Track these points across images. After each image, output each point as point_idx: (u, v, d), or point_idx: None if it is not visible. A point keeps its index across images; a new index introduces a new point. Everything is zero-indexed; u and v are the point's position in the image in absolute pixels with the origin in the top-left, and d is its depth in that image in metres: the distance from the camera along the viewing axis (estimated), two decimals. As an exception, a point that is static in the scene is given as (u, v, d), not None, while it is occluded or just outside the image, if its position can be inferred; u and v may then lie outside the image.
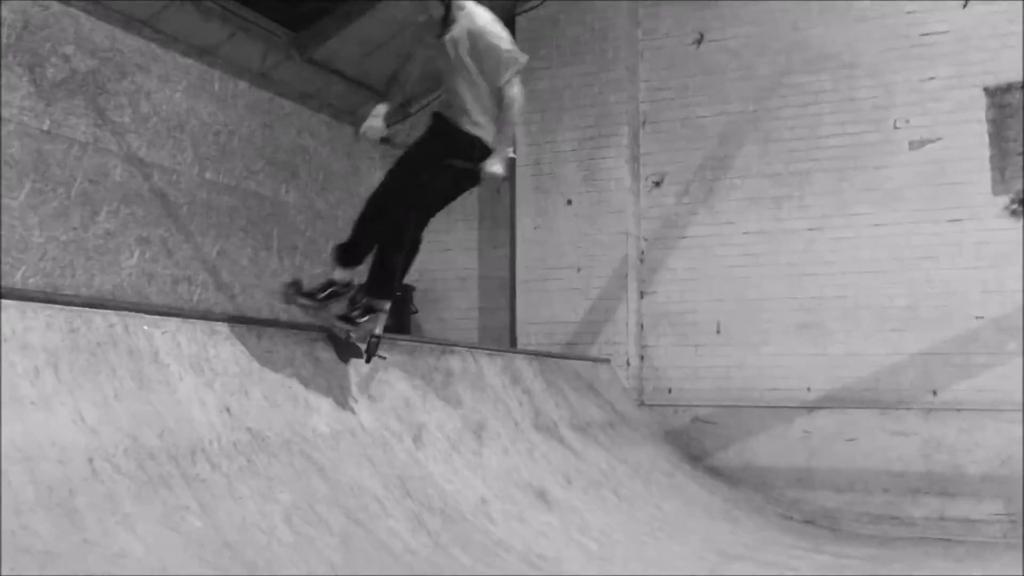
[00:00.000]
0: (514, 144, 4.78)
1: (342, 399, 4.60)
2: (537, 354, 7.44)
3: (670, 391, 8.37)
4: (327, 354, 4.73)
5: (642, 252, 8.66)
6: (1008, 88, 7.55)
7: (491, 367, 6.28)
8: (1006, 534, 6.93)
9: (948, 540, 6.96)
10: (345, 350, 4.70)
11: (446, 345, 6.11)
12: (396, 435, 4.75)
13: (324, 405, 4.44)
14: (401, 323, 7.97)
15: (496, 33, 4.45)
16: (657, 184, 8.69)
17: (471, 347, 6.44)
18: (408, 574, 3.72)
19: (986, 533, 6.96)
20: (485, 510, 4.67)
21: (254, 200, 7.92)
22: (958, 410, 7.34)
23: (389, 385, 5.04)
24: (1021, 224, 7.43)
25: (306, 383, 4.42)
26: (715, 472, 7.80)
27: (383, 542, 3.86)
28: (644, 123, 8.76)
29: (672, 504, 6.50)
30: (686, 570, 5.22)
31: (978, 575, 5.56)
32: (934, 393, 7.50)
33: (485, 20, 4.46)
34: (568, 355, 8.14)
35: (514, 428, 5.86)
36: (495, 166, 4.45)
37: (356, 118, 9.10)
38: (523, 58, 4.51)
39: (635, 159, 8.71)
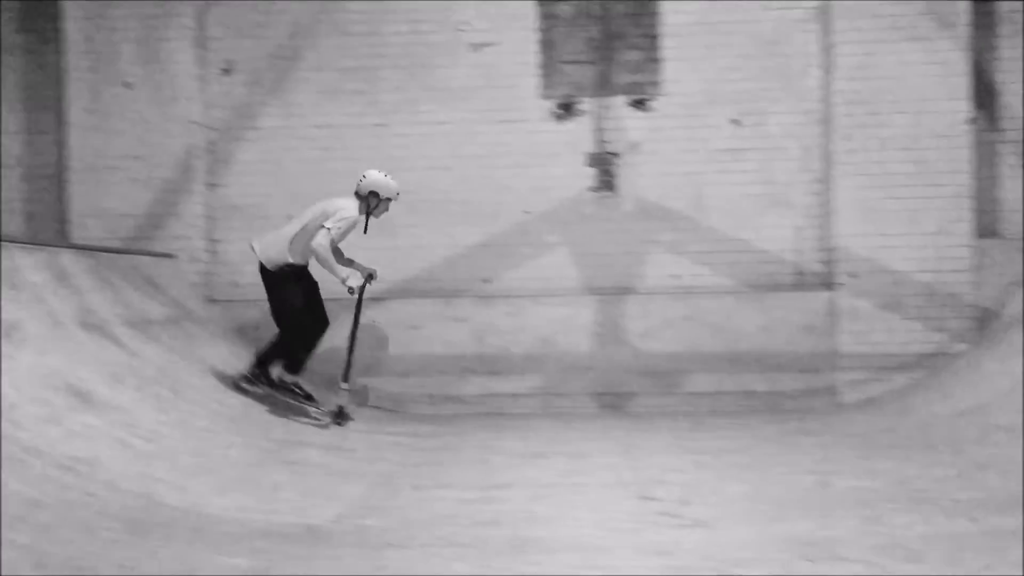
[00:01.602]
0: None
1: None
2: (90, 248, 6.90)
3: (241, 286, 8.22)
4: None
5: (210, 142, 8.30)
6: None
7: (29, 263, 5.71)
8: (544, 407, 7.80)
9: (497, 414, 7.69)
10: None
11: (-30, 238, 5.44)
12: None
13: None
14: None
15: None
16: (226, 71, 8.31)
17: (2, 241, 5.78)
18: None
19: (527, 406, 7.79)
20: (12, 416, 4.28)
21: None
22: (507, 297, 8.05)
23: None
24: (564, 127, 8.17)
25: None
26: (285, 365, 7.86)
27: None
28: (211, 4, 8.28)
29: (236, 398, 6.45)
30: (237, 460, 5.24)
31: None
32: (486, 281, 8.14)
33: None
34: (128, 250, 7.66)
35: (54, 328, 5.41)
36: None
37: None
38: None
39: (202, 43, 8.23)
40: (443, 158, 8.22)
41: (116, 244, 7.86)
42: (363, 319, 6.93)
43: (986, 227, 7.95)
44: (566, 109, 8.19)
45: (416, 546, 3.83)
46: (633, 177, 8.14)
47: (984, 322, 7.64)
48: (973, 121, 7.73)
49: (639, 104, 8.14)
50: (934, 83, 7.68)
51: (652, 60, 8.12)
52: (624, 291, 8.08)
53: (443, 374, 7.94)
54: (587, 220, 8.16)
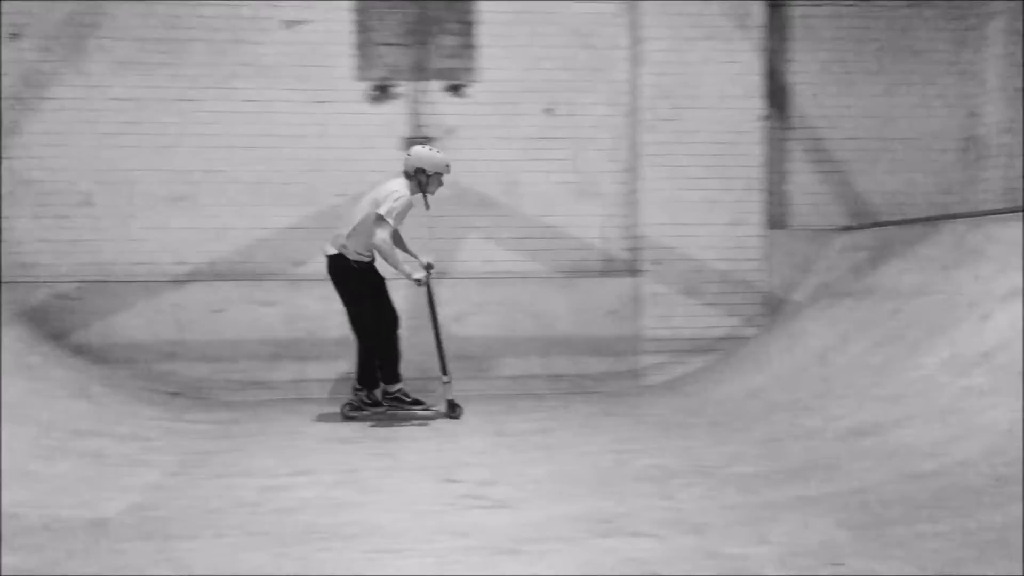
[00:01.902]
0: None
1: None
2: None
3: (30, 266, 7.70)
4: None
5: (-5, 111, 7.71)
6: (372, -19, 8.07)
7: None
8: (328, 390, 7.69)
9: (307, 399, 7.52)
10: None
11: None
12: None
13: None
14: None
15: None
16: (15, 36, 7.72)
17: None
18: None
19: (339, 391, 7.64)
20: None
21: None
22: (318, 280, 7.87)
23: None
24: (379, 110, 8.09)
25: None
26: (79, 350, 7.43)
27: None
28: (-5, -37, 7.68)
29: (21, 386, 6.03)
30: (17, 453, 4.92)
31: None
32: (298, 265, 7.97)
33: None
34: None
35: None
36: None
37: None
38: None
39: (-14, 4, 7.62)
40: (254, 137, 7.97)
41: None
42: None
43: (777, 218, 8.47)
44: (382, 92, 8.11)
45: (208, 536, 3.71)
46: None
47: (773, 308, 8.15)
48: (766, 119, 8.21)
49: (454, 90, 8.16)
50: (732, 81, 8.11)
51: (468, 46, 8.16)
52: (438, 275, 8.06)
53: (251, 359, 7.72)
54: (401, 204, 8.12)
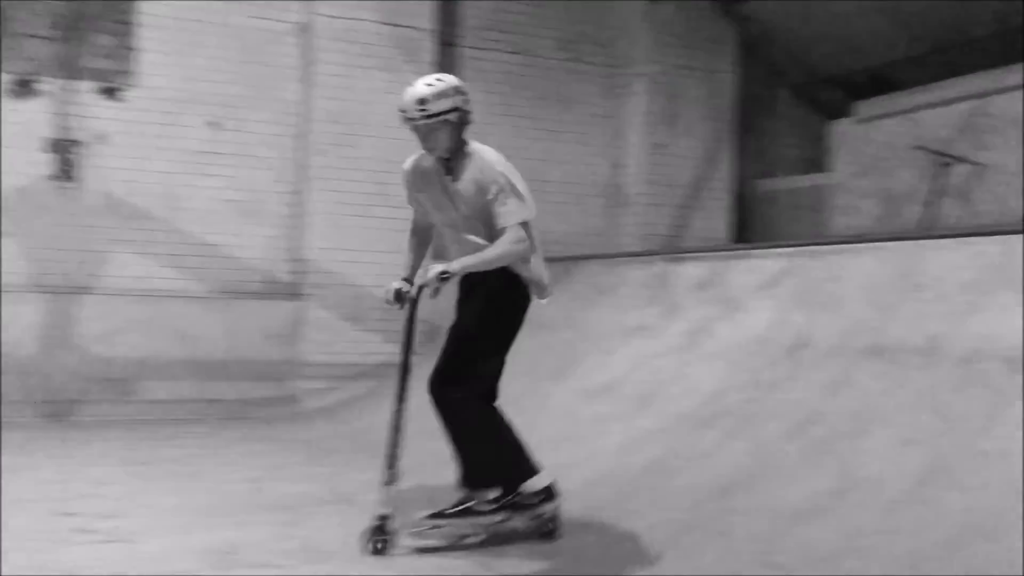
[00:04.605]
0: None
1: None
2: None
3: None
4: None
5: None
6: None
7: None
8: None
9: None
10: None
11: None
12: None
13: None
14: None
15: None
16: None
17: None
18: None
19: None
20: None
21: None
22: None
23: None
24: (20, 107, 7.40)
25: None
26: None
27: None
28: None
29: None
30: None
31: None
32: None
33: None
34: None
35: None
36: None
37: None
38: None
39: None
40: None
41: None
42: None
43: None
44: (23, 87, 7.41)
45: None
46: (99, 169, 7.61)
47: (433, 336, 8.35)
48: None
49: (109, 92, 7.64)
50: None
51: (125, 48, 7.67)
52: (81, 290, 7.49)
53: None
54: (42, 211, 7.45)
